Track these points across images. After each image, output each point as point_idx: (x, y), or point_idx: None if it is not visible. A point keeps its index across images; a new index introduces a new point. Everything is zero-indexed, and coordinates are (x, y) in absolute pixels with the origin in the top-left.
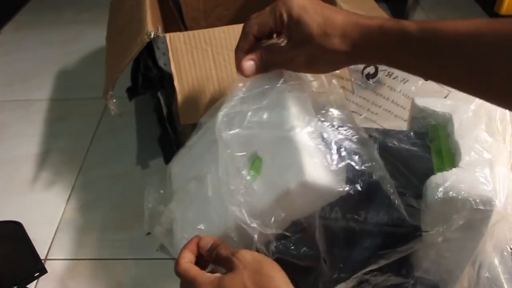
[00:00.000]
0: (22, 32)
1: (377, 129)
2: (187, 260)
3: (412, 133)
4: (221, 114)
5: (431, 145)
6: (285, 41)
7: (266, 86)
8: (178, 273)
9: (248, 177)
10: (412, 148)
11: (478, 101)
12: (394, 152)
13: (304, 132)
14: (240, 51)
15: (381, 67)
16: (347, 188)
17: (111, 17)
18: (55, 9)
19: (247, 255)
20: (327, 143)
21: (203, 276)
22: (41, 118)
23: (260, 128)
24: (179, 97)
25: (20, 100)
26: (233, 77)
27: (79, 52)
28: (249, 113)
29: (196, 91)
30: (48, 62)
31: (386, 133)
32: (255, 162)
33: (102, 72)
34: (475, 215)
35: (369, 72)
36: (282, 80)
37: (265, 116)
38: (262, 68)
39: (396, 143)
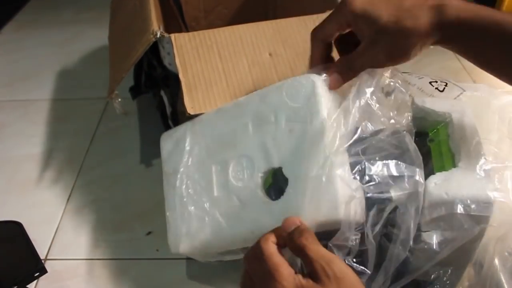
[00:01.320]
0: (22, 32)
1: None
2: (274, 240)
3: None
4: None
5: (431, 145)
6: (360, 40)
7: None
8: (260, 250)
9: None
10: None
11: (478, 101)
12: (393, 152)
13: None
14: (315, 60)
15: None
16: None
17: (112, 16)
18: (55, 9)
19: (334, 266)
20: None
21: (287, 270)
22: (41, 118)
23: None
24: (184, 89)
25: (20, 100)
26: (239, 69)
27: (79, 52)
28: None
29: (202, 83)
30: (48, 62)
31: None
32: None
33: (102, 72)
34: (476, 216)
35: (387, 91)
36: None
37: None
38: (347, 76)
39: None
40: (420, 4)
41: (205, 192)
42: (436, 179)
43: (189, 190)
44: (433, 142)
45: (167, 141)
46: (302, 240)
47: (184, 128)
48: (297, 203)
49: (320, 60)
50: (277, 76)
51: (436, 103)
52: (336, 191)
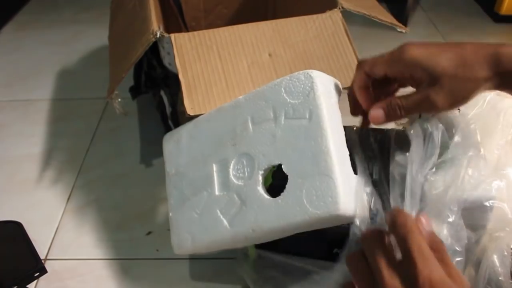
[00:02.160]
0: (22, 32)
1: (374, 129)
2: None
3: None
4: None
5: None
6: (413, 84)
7: None
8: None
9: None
10: (407, 146)
11: (482, 103)
12: (392, 151)
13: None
14: (355, 88)
15: None
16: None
17: (112, 16)
18: (55, 9)
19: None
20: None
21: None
22: (41, 118)
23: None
24: (184, 90)
25: (20, 100)
26: (239, 70)
27: (79, 52)
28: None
29: (202, 84)
30: (48, 62)
31: (383, 132)
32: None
33: (102, 72)
34: (475, 214)
35: None
36: None
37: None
38: (394, 116)
39: (393, 143)
40: (477, 51)
41: (206, 192)
42: (432, 175)
43: (191, 190)
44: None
45: (169, 142)
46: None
47: (185, 129)
48: (297, 200)
49: (359, 90)
50: (276, 77)
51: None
52: (336, 187)
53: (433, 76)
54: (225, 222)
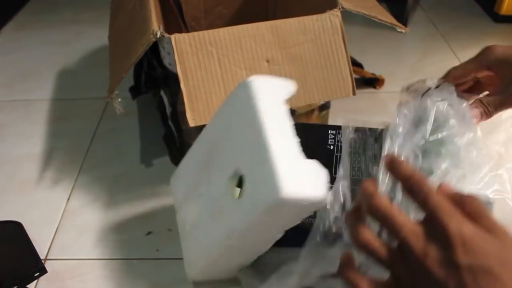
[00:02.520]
0: (22, 32)
1: (377, 129)
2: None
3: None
4: None
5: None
6: (496, 84)
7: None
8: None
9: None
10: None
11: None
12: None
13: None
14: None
15: None
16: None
17: (112, 17)
18: (55, 9)
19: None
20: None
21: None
22: (41, 118)
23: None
24: (186, 100)
25: (20, 100)
26: (238, 79)
27: (79, 52)
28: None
29: (202, 93)
30: (48, 62)
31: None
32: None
33: (102, 72)
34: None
35: None
36: None
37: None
38: (487, 113)
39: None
40: None
41: (196, 220)
42: (434, 178)
43: (188, 222)
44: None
45: (174, 183)
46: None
47: (181, 165)
48: (249, 196)
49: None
50: None
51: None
52: (274, 172)
53: None
54: (205, 241)
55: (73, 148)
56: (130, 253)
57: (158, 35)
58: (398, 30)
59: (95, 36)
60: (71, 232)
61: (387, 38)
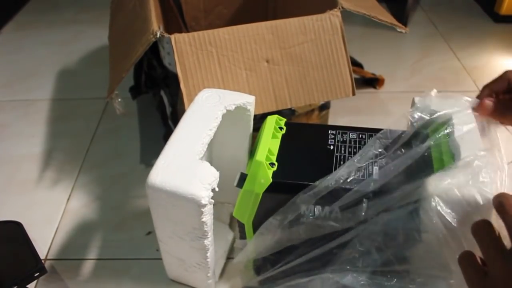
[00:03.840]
0: (22, 32)
1: (378, 129)
2: None
3: (413, 134)
4: None
5: (432, 146)
6: None
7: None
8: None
9: None
10: (412, 148)
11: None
12: (393, 152)
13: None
14: (482, 111)
15: None
16: (206, 197)
17: (112, 17)
18: (55, 9)
19: None
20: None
21: None
22: (41, 118)
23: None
24: (186, 100)
25: (20, 100)
26: (237, 79)
27: (79, 52)
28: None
29: None
30: (48, 62)
31: (385, 132)
32: None
33: (102, 72)
34: (474, 213)
35: None
36: None
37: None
38: (499, 111)
39: (396, 143)
40: None
41: None
42: (434, 180)
43: None
44: (434, 143)
45: None
46: None
47: None
48: None
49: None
50: (272, 87)
51: (436, 103)
52: (155, 166)
53: None
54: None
55: (73, 148)
56: (130, 253)
57: (158, 35)
58: (398, 30)
59: (95, 36)
60: (71, 232)
61: (387, 38)
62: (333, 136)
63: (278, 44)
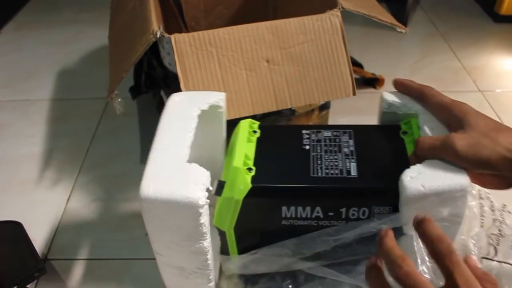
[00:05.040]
0: (22, 32)
1: (351, 125)
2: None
3: (384, 128)
4: None
5: (405, 138)
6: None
7: None
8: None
9: None
10: (386, 142)
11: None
12: (368, 147)
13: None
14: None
15: None
16: (202, 198)
17: (112, 17)
18: (55, 9)
19: None
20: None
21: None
22: (41, 118)
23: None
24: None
25: (20, 100)
26: (237, 79)
27: (79, 52)
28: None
29: None
30: (48, 62)
31: (360, 129)
32: None
33: (102, 72)
34: (453, 203)
35: None
36: None
37: None
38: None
39: (370, 138)
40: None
41: None
42: (412, 173)
43: None
44: (407, 135)
45: None
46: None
47: None
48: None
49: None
50: (272, 87)
51: (404, 96)
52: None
53: (477, 162)
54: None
55: (73, 148)
56: (130, 253)
57: (158, 35)
58: (398, 30)
59: (95, 36)
60: (71, 232)
61: (387, 38)
62: (307, 136)
63: (278, 44)
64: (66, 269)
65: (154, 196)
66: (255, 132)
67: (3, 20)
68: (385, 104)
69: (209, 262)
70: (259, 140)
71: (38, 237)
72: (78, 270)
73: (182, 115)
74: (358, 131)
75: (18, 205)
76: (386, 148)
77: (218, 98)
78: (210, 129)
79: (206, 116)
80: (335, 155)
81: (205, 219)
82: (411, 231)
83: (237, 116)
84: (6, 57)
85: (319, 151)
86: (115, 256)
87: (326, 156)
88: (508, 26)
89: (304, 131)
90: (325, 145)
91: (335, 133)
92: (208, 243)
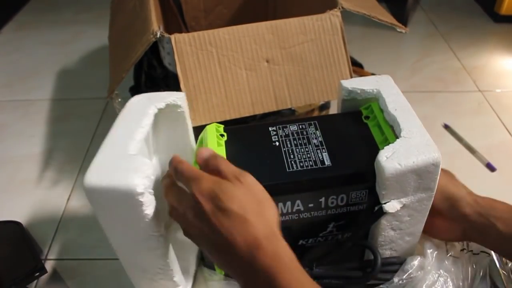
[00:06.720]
0: (22, 32)
1: (315, 117)
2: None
3: (346, 115)
4: None
5: (368, 122)
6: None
7: None
8: (181, 172)
9: None
10: (351, 128)
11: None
12: (336, 136)
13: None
14: None
15: None
16: (140, 185)
17: (112, 17)
18: (55, 9)
19: (245, 176)
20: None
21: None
22: (41, 118)
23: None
24: (186, 100)
25: (20, 100)
26: (237, 79)
27: (79, 52)
28: None
29: (202, 93)
30: (48, 62)
31: (324, 119)
32: None
33: (102, 72)
34: (427, 177)
35: None
36: None
37: None
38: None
39: (335, 127)
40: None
41: None
42: (386, 153)
43: None
44: (369, 119)
45: None
46: (218, 161)
47: None
48: None
49: None
50: (272, 87)
51: (363, 82)
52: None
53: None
54: None
55: (73, 148)
56: None
57: (158, 35)
58: (398, 30)
59: (95, 36)
60: (71, 232)
61: (387, 38)
62: (275, 132)
63: (278, 44)
64: (66, 269)
65: (95, 185)
66: (222, 135)
67: (3, 20)
68: (344, 92)
69: (168, 260)
70: (227, 143)
71: (38, 237)
72: (78, 270)
73: (138, 113)
74: (322, 122)
75: (18, 205)
76: (353, 134)
77: (176, 97)
78: (174, 133)
79: (169, 117)
80: (306, 147)
81: (150, 210)
82: (391, 210)
83: (237, 116)
84: (6, 57)
85: (289, 145)
86: (115, 256)
87: (298, 150)
88: (508, 26)
89: (270, 128)
90: (294, 139)
91: (301, 126)
92: (163, 238)
